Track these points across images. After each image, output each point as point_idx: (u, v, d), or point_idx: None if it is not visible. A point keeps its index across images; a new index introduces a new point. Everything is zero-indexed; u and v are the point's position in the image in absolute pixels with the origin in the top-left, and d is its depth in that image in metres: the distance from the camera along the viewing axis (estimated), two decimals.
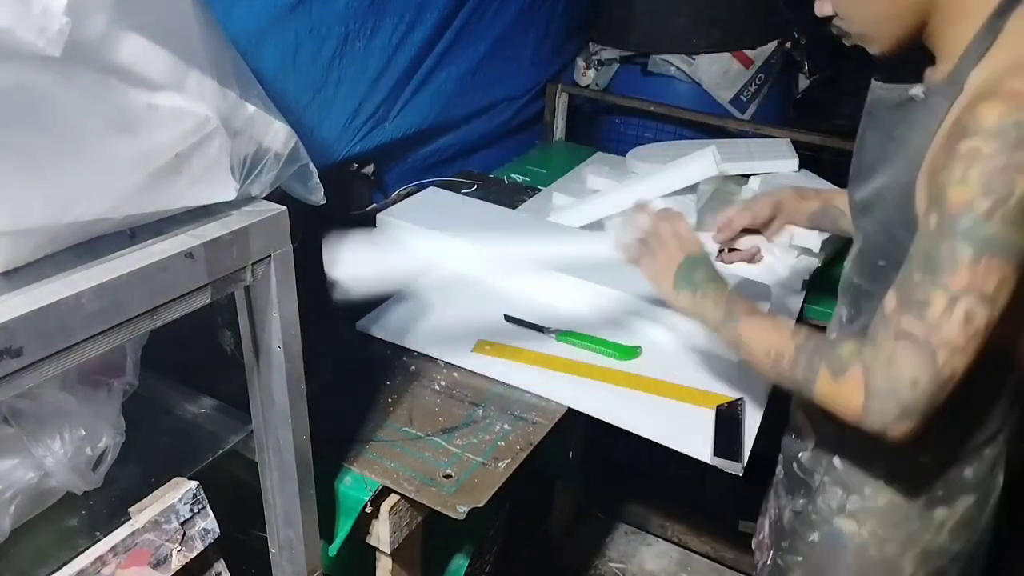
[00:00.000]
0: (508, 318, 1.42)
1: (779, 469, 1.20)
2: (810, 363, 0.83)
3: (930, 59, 0.88)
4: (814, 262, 1.64)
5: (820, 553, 1.05)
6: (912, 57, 0.89)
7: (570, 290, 1.47)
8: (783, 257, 1.65)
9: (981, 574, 1.08)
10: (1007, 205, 0.71)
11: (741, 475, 1.10)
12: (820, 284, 1.58)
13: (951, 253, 0.73)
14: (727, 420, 1.18)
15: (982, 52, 0.79)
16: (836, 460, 1.02)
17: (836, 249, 1.63)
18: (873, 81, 0.94)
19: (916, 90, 0.87)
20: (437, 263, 1.59)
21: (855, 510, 1.00)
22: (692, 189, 1.77)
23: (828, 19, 0.90)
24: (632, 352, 1.34)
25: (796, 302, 1.52)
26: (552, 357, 1.30)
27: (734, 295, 0.96)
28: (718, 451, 1.11)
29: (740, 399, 1.22)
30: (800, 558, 1.09)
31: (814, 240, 1.66)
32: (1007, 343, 0.85)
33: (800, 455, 1.09)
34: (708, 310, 0.96)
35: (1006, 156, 0.70)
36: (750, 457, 1.13)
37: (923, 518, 0.97)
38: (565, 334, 1.37)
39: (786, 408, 1.29)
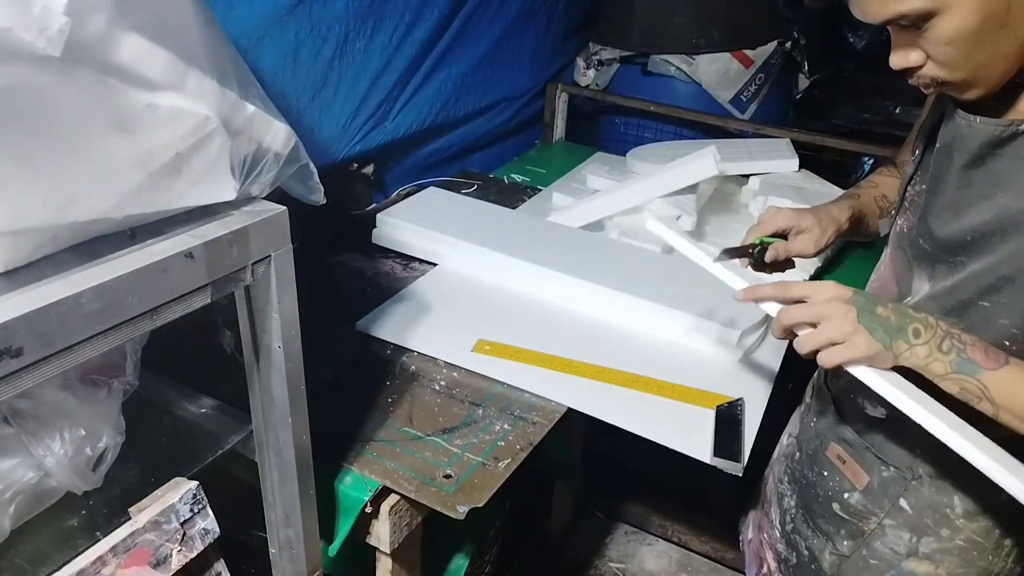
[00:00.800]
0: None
1: (789, 492, 1.15)
2: None
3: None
4: (814, 262, 1.65)
5: None
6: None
7: (570, 290, 1.47)
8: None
9: None
10: None
11: (741, 475, 1.10)
12: None
13: None
14: (727, 420, 1.18)
15: None
16: (903, 502, 0.96)
17: (835, 249, 1.63)
18: (960, 113, 0.84)
19: None
20: (438, 263, 1.60)
21: (930, 552, 0.96)
22: (692, 189, 1.77)
23: (905, 69, 0.80)
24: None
25: None
26: (552, 357, 1.30)
27: (953, 335, 0.80)
28: (718, 451, 1.11)
29: (740, 399, 1.22)
30: None
31: None
32: None
33: (846, 496, 1.02)
34: (931, 360, 0.79)
35: None
36: (750, 457, 1.13)
37: (996, 550, 0.95)
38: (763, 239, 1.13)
39: (787, 409, 1.30)
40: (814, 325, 0.83)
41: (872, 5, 0.75)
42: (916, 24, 0.74)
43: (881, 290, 1.02)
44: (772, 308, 0.90)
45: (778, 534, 1.18)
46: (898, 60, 0.79)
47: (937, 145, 0.89)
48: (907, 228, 0.94)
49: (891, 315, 0.80)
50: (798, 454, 1.13)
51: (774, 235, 1.08)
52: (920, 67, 0.79)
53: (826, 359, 0.82)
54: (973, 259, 0.83)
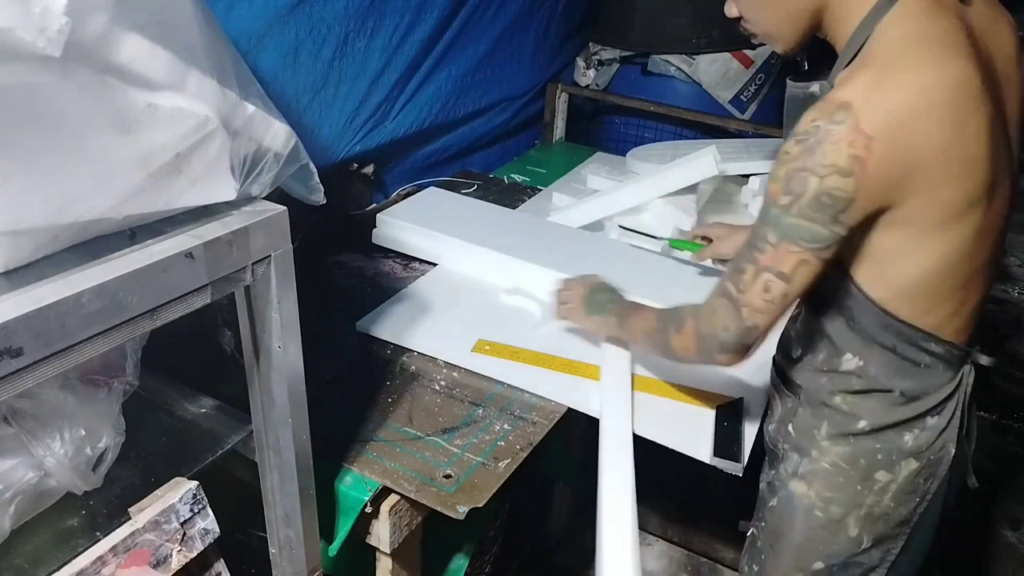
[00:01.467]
0: (624, 227, 1.61)
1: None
2: (664, 327, 1.06)
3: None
4: None
5: (778, 516, 1.10)
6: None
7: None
8: None
9: (937, 546, 1.10)
10: (800, 201, 0.84)
11: (741, 475, 1.10)
12: None
13: (763, 236, 0.89)
14: (727, 420, 1.18)
15: (854, 53, 0.88)
16: (790, 427, 1.08)
17: None
18: (788, 80, 1.03)
19: (815, 87, 0.96)
20: (438, 263, 1.60)
21: (805, 472, 1.05)
22: (692, 189, 1.77)
23: (738, 19, 1.00)
24: None
25: None
26: (552, 357, 1.30)
27: (630, 304, 1.20)
28: (718, 451, 1.11)
29: (740, 399, 1.22)
30: (764, 524, 1.14)
31: None
32: (916, 321, 0.92)
33: (768, 427, 1.14)
34: (612, 324, 1.22)
35: (802, 160, 0.83)
36: (750, 457, 1.13)
37: (864, 480, 1.01)
38: (676, 241, 1.57)
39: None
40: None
41: None
42: None
43: None
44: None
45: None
46: (727, 10, 1.01)
47: None
48: None
49: (604, 297, 1.26)
50: None
51: (704, 237, 1.49)
52: (740, 19, 1.00)
53: (555, 311, 1.33)
54: None
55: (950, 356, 0.95)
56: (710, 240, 1.49)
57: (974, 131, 0.82)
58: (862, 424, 0.99)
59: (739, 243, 1.34)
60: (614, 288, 1.28)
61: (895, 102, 0.80)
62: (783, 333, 1.11)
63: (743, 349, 0.96)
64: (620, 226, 1.62)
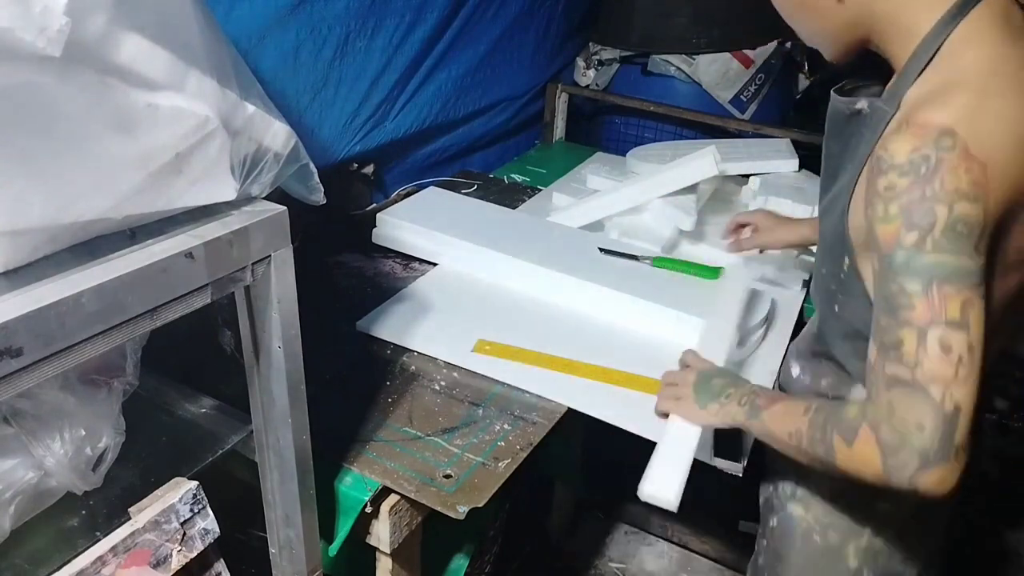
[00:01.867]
0: (602, 250, 1.56)
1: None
2: (824, 436, 0.81)
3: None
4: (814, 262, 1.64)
5: (777, 538, 1.08)
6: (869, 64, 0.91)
7: (570, 289, 1.47)
8: (783, 258, 1.65)
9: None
10: (933, 234, 0.73)
11: (741, 475, 1.10)
12: None
13: (902, 290, 0.74)
14: None
15: (919, 70, 0.80)
16: None
17: None
18: (832, 92, 0.95)
19: (863, 104, 0.87)
20: (438, 263, 1.60)
21: (803, 496, 1.03)
22: (692, 189, 1.77)
23: None
24: (715, 272, 1.50)
25: (796, 302, 1.52)
26: (552, 357, 1.30)
27: (755, 390, 0.96)
28: (719, 451, 1.11)
29: None
30: (765, 542, 1.12)
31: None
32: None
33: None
34: (735, 412, 0.96)
35: (920, 189, 0.73)
36: (750, 457, 1.13)
37: (866, 508, 0.97)
38: (660, 260, 1.53)
39: None
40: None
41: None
42: None
43: None
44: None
45: None
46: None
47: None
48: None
49: (718, 383, 1.01)
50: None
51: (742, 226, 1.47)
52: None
53: (661, 406, 1.10)
54: (823, 227, 0.96)
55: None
56: (741, 230, 1.47)
57: None
58: None
59: (785, 235, 1.38)
60: (730, 372, 1.08)
61: (1004, 126, 0.74)
62: (790, 351, 1.13)
63: (953, 452, 0.71)
64: (599, 248, 1.58)
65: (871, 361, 0.78)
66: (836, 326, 0.96)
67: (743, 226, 1.49)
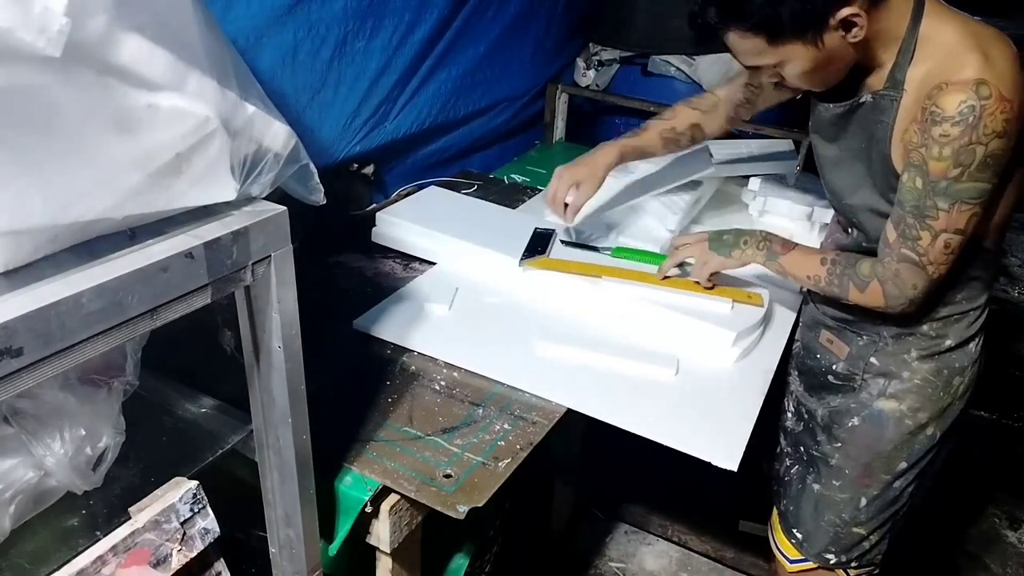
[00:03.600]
0: (564, 242, 1.60)
1: (796, 380, 1.46)
2: (840, 282, 1.19)
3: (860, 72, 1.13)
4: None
5: (862, 432, 1.30)
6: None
7: (568, 289, 1.47)
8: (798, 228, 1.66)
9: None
10: (970, 168, 1.01)
11: (736, 470, 1.11)
12: None
13: (934, 206, 1.05)
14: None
15: (910, 57, 1.07)
16: (873, 359, 1.28)
17: None
18: (819, 104, 1.22)
19: (865, 97, 1.13)
20: (437, 262, 1.60)
21: (896, 391, 1.27)
22: (688, 187, 1.77)
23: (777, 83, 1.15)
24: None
25: (795, 303, 1.52)
26: (602, 267, 1.45)
27: (766, 236, 1.30)
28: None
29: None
30: (839, 444, 1.33)
31: (814, 240, 1.66)
32: (994, 248, 1.18)
33: (834, 367, 1.34)
34: (755, 255, 1.30)
35: (968, 135, 0.99)
36: (747, 452, 1.13)
37: (947, 388, 1.25)
38: (619, 250, 1.57)
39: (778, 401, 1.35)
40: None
41: (745, 57, 1.11)
42: (773, 67, 1.11)
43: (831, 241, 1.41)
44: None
45: (789, 414, 1.48)
46: (764, 78, 1.17)
47: (811, 132, 1.30)
48: (828, 198, 1.33)
49: (729, 237, 1.35)
50: (801, 351, 1.45)
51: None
52: (779, 82, 1.14)
53: (701, 275, 1.39)
54: (856, 199, 1.22)
55: (996, 272, 1.22)
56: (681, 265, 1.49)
57: None
58: (948, 343, 1.23)
59: (593, 168, 1.49)
60: (731, 228, 1.36)
61: (1008, 68, 0.99)
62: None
63: (925, 298, 1.14)
64: (562, 241, 1.60)
65: (889, 239, 1.12)
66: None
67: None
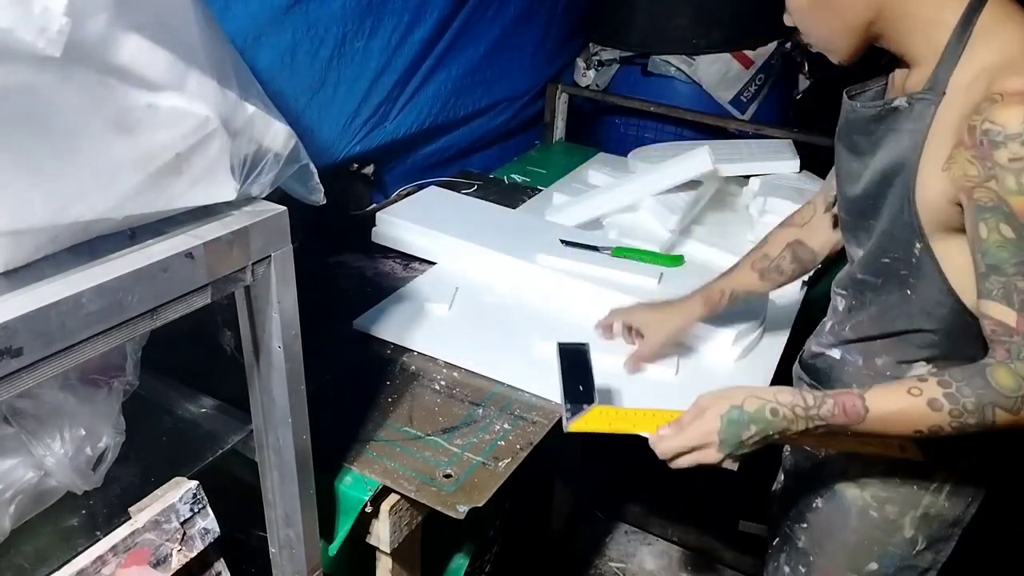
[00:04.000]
0: (564, 242, 1.56)
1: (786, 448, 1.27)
2: (982, 414, 0.84)
3: (895, 64, 0.97)
4: None
5: (825, 516, 1.11)
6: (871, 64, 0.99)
7: (568, 289, 1.47)
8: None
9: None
10: None
11: (735, 470, 1.10)
12: (818, 286, 1.58)
13: None
14: (573, 363, 1.15)
15: (958, 56, 0.86)
16: None
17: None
18: (848, 100, 1.02)
19: (900, 101, 0.91)
20: (437, 262, 1.60)
21: (856, 474, 1.06)
22: (687, 187, 1.77)
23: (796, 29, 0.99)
24: (678, 260, 1.53)
25: (795, 302, 1.53)
26: (654, 415, 1.04)
27: (800, 406, 0.91)
28: (568, 397, 1.08)
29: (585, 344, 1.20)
30: (805, 525, 1.15)
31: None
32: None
33: None
34: (800, 440, 0.98)
35: None
36: (748, 457, 1.13)
37: (923, 480, 1.03)
38: (619, 250, 1.54)
39: None
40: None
41: None
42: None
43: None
44: None
45: (785, 453, 1.28)
46: (785, 19, 0.99)
47: (837, 133, 1.06)
48: (837, 207, 1.10)
49: (753, 436, 0.92)
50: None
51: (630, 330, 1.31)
52: (794, 28, 0.98)
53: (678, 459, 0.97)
54: (874, 219, 0.98)
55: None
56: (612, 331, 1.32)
57: None
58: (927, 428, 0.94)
59: (669, 325, 1.26)
60: (740, 395, 0.93)
61: None
62: (823, 336, 1.13)
63: None
64: (562, 241, 1.57)
65: (1009, 324, 0.83)
66: (907, 309, 0.98)
67: (627, 327, 1.32)
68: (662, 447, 0.97)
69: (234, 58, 0.79)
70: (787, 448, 1.26)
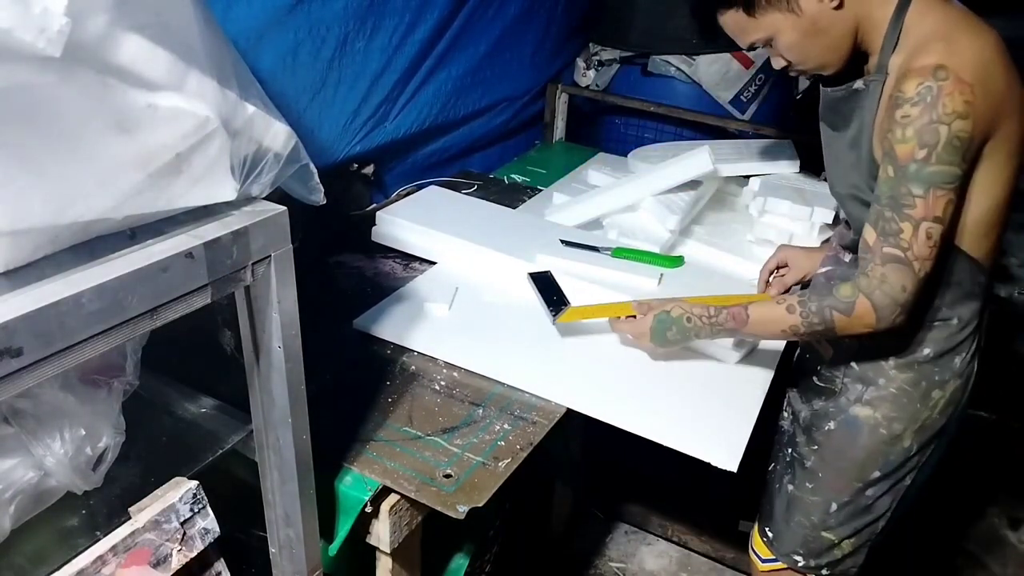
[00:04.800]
0: (564, 242, 1.59)
1: (788, 397, 1.44)
2: (822, 318, 1.11)
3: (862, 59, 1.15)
4: None
5: (837, 437, 1.28)
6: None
7: (567, 287, 1.47)
8: None
9: (953, 446, 1.31)
10: (937, 149, 0.99)
11: (735, 471, 1.11)
12: None
13: (909, 193, 1.02)
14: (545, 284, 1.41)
15: (894, 43, 1.07)
16: (854, 364, 1.26)
17: None
18: (822, 88, 1.21)
19: (859, 84, 1.13)
20: (437, 261, 1.60)
21: (871, 398, 1.24)
22: (687, 187, 1.77)
23: (786, 68, 1.16)
24: (677, 261, 1.55)
25: None
26: (628, 303, 1.32)
27: (713, 317, 1.21)
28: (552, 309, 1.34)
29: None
30: (816, 447, 1.31)
31: (815, 241, 1.66)
32: (974, 253, 1.12)
33: (819, 368, 1.32)
34: (708, 338, 1.26)
35: (928, 115, 0.99)
36: (746, 454, 1.13)
37: (923, 399, 1.21)
38: (619, 250, 1.57)
39: (779, 402, 1.36)
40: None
41: (737, 37, 1.15)
42: (767, 44, 1.14)
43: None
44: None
45: (785, 414, 1.46)
46: (775, 64, 1.17)
47: (820, 115, 1.25)
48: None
49: (675, 335, 1.25)
50: (802, 347, 1.43)
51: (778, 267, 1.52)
52: (788, 65, 1.15)
53: (630, 340, 1.33)
54: (851, 182, 1.18)
55: (986, 285, 1.16)
56: (777, 271, 1.51)
57: (1018, 78, 1.04)
58: (927, 352, 1.19)
59: (811, 265, 1.45)
60: (671, 304, 1.26)
61: (972, 56, 1.00)
62: (828, 281, 1.28)
63: (915, 299, 1.07)
64: (561, 241, 1.60)
65: (869, 241, 1.07)
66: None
67: (778, 268, 1.53)
68: (615, 327, 1.34)
69: (234, 58, 0.79)
70: (794, 390, 1.43)
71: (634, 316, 1.29)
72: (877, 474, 1.26)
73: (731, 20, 1.13)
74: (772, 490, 1.42)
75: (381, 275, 1.58)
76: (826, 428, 1.29)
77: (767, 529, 1.42)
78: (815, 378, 1.33)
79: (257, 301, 0.81)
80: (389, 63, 1.79)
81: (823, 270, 1.36)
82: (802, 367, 1.40)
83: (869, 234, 1.07)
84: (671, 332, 1.24)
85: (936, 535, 2.24)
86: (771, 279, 1.51)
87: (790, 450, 1.39)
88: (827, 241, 1.47)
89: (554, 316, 1.34)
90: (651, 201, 1.74)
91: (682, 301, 1.26)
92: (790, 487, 1.36)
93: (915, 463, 1.27)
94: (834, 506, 1.30)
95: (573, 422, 1.25)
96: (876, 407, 1.23)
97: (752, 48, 1.15)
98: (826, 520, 1.31)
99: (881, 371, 1.22)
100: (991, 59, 1.02)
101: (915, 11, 1.06)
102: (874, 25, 1.09)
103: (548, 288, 1.44)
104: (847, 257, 1.29)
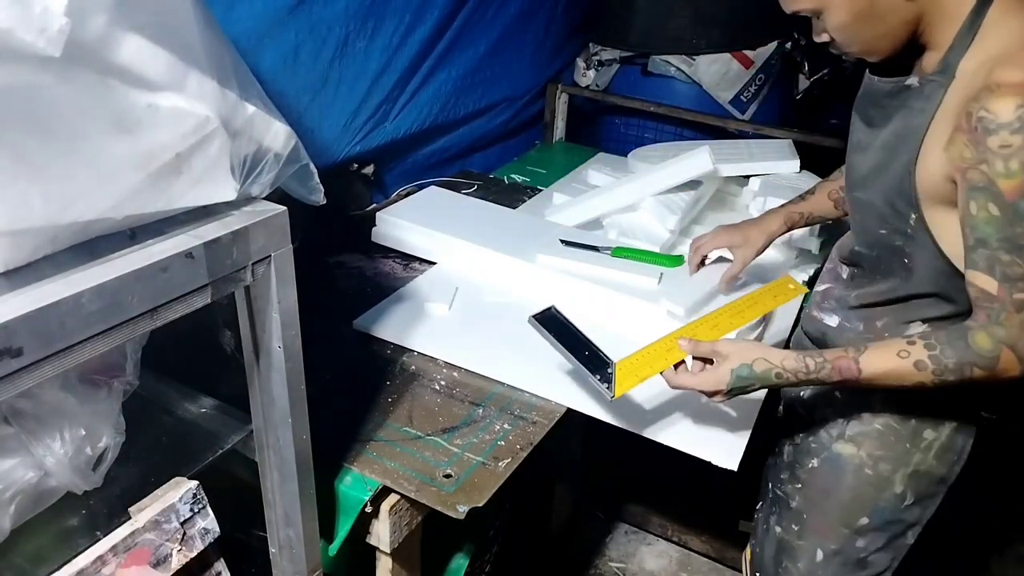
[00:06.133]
0: (564, 242, 1.56)
1: (774, 430, 1.33)
2: (960, 376, 0.94)
3: (915, 52, 1.01)
4: (813, 263, 1.65)
5: (821, 475, 1.19)
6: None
7: (569, 289, 1.47)
8: (783, 258, 1.65)
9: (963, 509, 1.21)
10: None
11: (736, 470, 1.11)
12: None
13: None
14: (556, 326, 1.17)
15: (967, 44, 0.93)
16: (836, 393, 1.16)
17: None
18: (868, 74, 1.08)
19: (912, 80, 1.00)
20: (437, 261, 1.60)
21: (854, 434, 1.15)
22: (687, 187, 1.77)
23: (826, 44, 1.04)
24: (677, 261, 1.52)
25: (795, 301, 1.52)
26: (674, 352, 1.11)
27: (802, 371, 1.00)
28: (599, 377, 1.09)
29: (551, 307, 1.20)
30: (800, 485, 1.23)
31: (813, 243, 1.66)
32: None
33: (801, 394, 1.23)
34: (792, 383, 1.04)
35: None
36: (746, 455, 1.13)
37: (913, 438, 1.11)
38: (619, 250, 1.54)
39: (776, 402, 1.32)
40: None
41: (783, 3, 1.02)
42: (815, 15, 1.00)
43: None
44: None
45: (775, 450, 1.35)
46: (815, 37, 1.04)
47: (855, 104, 1.12)
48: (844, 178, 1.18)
49: (756, 389, 1.04)
50: None
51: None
52: (830, 43, 1.03)
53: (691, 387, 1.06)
54: (875, 189, 1.05)
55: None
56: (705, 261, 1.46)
57: None
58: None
59: (757, 240, 1.37)
60: (749, 354, 1.03)
61: None
62: (821, 305, 1.21)
63: None
64: (561, 241, 1.58)
65: (991, 291, 0.91)
66: (907, 277, 1.06)
67: (706, 257, 1.45)
68: (676, 381, 1.07)
69: (234, 58, 0.79)
70: (780, 411, 1.34)
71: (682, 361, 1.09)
72: (866, 520, 1.16)
73: None
74: (760, 532, 1.34)
75: (381, 275, 1.58)
76: (809, 465, 1.21)
77: (757, 574, 1.35)
78: (797, 406, 1.25)
79: (257, 301, 0.81)
80: (389, 63, 1.79)
81: (822, 288, 1.24)
82: (787, 394, 1.31)
83: (986, 283, 0.92)
84: (752, 388, 1.03)
85: None
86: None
87: (772, 486, 1.31)
88: (772, 211, 1.41)
89: (610, 393, 1.06)
90: (651, 201, 1.74)
91: (755, 345, 1.05)
92: (777, 529, 1.28)
93: (915, 517, 1.16)
94: (820, 554, 1.21)
95: (573, 422, 1.24)
96: (859, 444, 1.14)
97: (796, 15, 1.02)
98: (813, 570, 1.22)
99: (865, 403, 1.13)
100: None
101: (998, 10, 0.92)
102: (944, 18, 0.95)
103: (567, 338, 1.15)
104: (845, 272, 1.19)
